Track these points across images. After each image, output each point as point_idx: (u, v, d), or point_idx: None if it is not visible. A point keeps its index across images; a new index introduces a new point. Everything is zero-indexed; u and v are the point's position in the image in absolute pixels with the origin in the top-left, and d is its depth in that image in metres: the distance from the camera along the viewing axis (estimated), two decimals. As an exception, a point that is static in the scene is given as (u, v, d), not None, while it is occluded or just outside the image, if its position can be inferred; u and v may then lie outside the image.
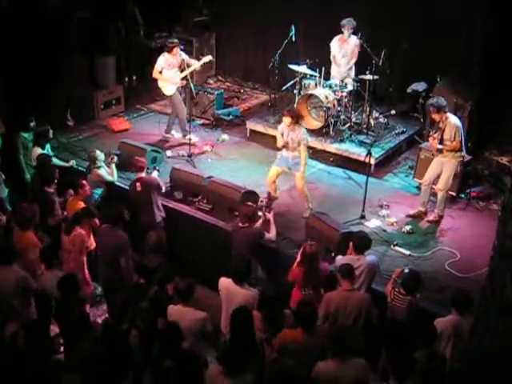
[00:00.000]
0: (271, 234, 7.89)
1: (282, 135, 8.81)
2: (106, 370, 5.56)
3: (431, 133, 8.77)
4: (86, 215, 7.73)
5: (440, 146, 8.57)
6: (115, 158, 9.35)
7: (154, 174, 8.94)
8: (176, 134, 11.09)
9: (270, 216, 8.11)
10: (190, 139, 10.66)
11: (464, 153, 8.70)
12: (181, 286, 6.39)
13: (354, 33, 10.87)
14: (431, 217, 8.92)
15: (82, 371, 5.52)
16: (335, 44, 11.06)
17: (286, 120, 8.67)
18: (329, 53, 11.12)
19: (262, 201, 8.83)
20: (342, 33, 10.93)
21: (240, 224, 7.74)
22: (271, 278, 7.80)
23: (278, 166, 9.01)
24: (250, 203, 8.06)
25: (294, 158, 8.81)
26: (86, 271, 7.60)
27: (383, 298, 6.84)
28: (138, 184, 8.55)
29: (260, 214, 8.27)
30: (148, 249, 7.73)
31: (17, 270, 6.72)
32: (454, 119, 8.55)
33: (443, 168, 8.66)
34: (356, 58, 10.99)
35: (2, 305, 6.53)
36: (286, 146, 8.80)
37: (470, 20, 10.65)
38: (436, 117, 8.53)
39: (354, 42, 10.89)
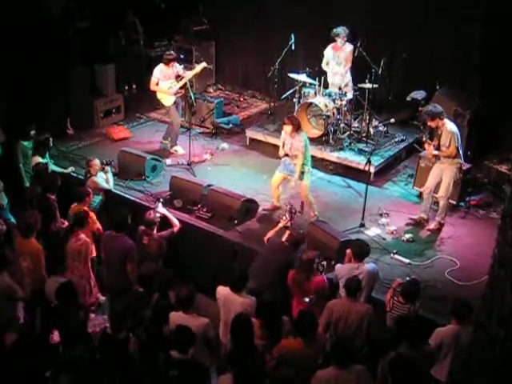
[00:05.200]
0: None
1: (284, 145, 8.83)
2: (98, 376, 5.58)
3: (424, 138, 8.84)
4: (78, 222, 7.67)
5: (436, 152, 8.60)
6: (107, 167, 9.35)
7: (159, 206, 8.49)
8: (180, 150, 10.97)
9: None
10: (175, 150, 10.89)
11: (462, 160, 8.71)
12: (182, 294, 6.38)
13: (349, 40, 10.89)
14: (432, 225, 8.91)
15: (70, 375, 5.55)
16: (329, 51, 11.05)
17: (287, 128, 8.67)
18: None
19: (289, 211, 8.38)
20: (335, 41, 10.94)
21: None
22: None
23: (280, 172, 9.01)
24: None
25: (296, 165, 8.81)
26: (93, 279, 7.60)
27: (382, 306, 6.84)
28: (145, 238, 8.05)
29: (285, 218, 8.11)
30: (149, 257, 7.70)
31: (1, 278, 6.72)
32: (450, 125, 8.57)
33: (443, 175, 8.67)
34: (350, 63, 10.97)
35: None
36: (287, 155, 8.83)
37: (469, 28, 10.67)
38: (432, 124, 8.56)
39: (349, 49, 10.90)
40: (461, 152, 8.64)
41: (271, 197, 9.32)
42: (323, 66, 11.14)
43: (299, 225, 8.28)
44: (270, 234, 8.00)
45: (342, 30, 10.74)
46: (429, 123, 8.62)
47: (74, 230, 7.63)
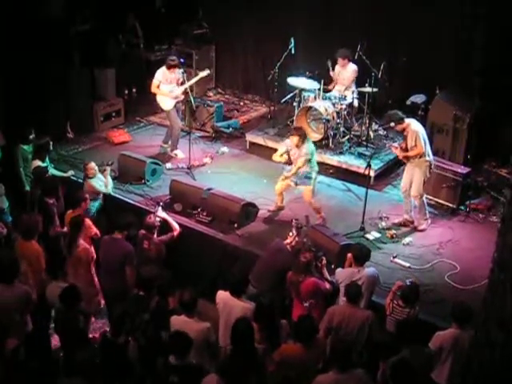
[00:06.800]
0: None
1: (288, 152, 8.89)
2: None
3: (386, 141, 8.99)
4: (76, 228, 7.57)
5: (404, 154, 8.73)
6: (108, 170, 9.35)
7: (159, 210, 8.48)
8: (180, 154, 10.99)
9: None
10: (175, 154, 10.91)
11: (430, 157, 8.75)
12: (185, 297, 6.39)
13: (353, 61, 10.96)
14: (422, 226, 8.97)
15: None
16: (337, 68, 11.16)
17: (294, 139, 8.76)
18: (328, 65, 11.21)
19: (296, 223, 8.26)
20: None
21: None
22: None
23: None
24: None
25: (302, 172, 8.86)
26: (97, 283, 7.56)
27: (383, 310, 6.83)
28: (146, 242, 8.04)
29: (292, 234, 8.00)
30: (149, 261, 7.70)
31: (18, 285, 6.66)
32: (414, 125, 8.68)
33: (413, 175, 8.75)
34: (350, 84, 11.04)
35: (3, 321, 6.49)
36: (289, 162, 8.91)
37: (470, 31, 10.66)
38: (397, 129, 8.81)
39: (352, 69, 10.99)
40: (428, 149, 8.69)
41: (274, 200, 9.34)
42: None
43: (306, 236, 8.21)
44: None
45: (340, 52, 10.87)
46: (394, 129, 8.92)
47: (74, 237, 7.56)
